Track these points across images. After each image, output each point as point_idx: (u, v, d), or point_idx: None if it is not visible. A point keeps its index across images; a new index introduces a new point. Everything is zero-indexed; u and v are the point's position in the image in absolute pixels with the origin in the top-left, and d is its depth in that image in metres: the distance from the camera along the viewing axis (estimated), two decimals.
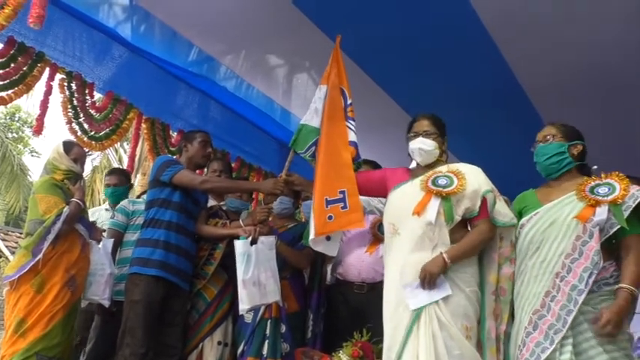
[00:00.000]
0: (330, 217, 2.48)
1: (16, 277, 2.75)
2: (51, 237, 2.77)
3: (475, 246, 2.29)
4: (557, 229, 2.17)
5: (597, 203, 2.13)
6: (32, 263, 2.74)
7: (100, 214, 3.84)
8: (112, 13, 3.55)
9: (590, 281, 2.06)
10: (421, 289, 2.19)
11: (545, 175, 2.38)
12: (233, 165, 4.55)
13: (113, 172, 4.10)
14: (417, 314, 2.19)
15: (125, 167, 4.63)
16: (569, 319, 2.05)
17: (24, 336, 2.70)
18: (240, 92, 4.35)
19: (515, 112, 4.06)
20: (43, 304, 2.74)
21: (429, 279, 2.18)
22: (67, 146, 3.07)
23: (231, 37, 3.77)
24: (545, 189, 2.36)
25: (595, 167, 2.32)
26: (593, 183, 2.21)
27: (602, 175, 2.24)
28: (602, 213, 2.10)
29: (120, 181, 3.81)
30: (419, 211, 2.28)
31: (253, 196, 4.00)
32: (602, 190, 2.17)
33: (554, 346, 2.04)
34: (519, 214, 2.36)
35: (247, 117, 4.66)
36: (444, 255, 2.21)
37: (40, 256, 2.74)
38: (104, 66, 3.68)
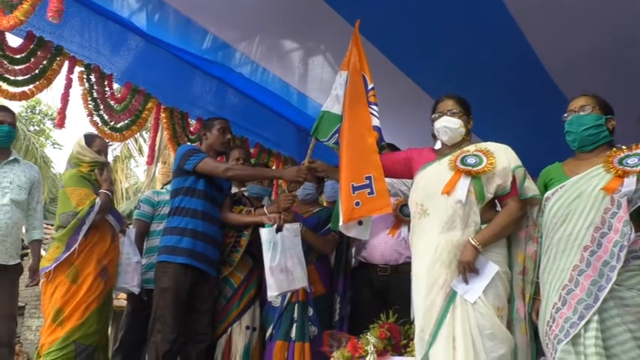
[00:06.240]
0: (357, 204, 2.47)
1: (52, 267, 2.83)
2: (85, 228, 2.85)
3: (505, 227, 2.27)
4: (585, 202, 2.09)
5: (625, 173, 2.05)
6: (67, 254, 2.82)
7: None
8: (125, 4, 3.52)
9: (622, 255, 1.99)
10: (470, 280, 2.18)
11: (577, 146, 2.27)
12: (252, 151, 4.55)
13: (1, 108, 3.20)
14: (453, 295, 2.19)
15: (146, 157, 4.60)
16: (602, 296, 1.99)
17: (62, 325, 2.79)
18: (256, 77, 4.31)
19: (537, 91, 3.97)
20: (78, 294, 2.82)
21: (468, 268, 2.18)
22: (89, 139, 3.15)
23: (245, 23, 3.72)
24: (573, 162, 2.29)
25: (619, 145, 2.22)
26: (622, 154, 2.13)
27: (633, 146, 2.15)
28: (630, 184, 2.03)
29: (14, 120, 3.22)
30: (448, 190, 2.26)
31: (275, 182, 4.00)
32: (632, 160, 2.08)
33: (584, 321, 1.99)
34: (544, 188, 2.30)
35: (264, 102, 4.62)
36: (472, 241, 2.20)
37: (76, 246, 2.81)
38: (121, 56, 3.66)
